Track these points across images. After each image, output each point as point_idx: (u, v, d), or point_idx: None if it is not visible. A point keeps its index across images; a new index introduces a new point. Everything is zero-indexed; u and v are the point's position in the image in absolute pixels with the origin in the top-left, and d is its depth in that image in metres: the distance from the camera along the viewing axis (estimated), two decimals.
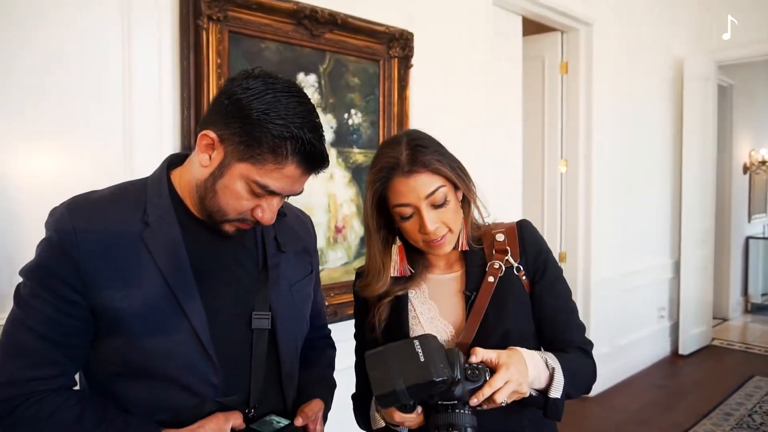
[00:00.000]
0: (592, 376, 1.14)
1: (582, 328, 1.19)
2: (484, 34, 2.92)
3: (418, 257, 1.15)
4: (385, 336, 1.10)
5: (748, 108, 6.19)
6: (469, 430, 0.91)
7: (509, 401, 0.97)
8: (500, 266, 1.11)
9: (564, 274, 1.19)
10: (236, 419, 0.91)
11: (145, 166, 1.66)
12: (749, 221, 6.45)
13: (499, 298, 1.09)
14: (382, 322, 1.11)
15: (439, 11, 2.67)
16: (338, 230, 2.31)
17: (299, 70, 2.12)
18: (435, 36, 2.63)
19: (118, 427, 0.86)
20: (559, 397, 1.02)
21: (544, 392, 1.03)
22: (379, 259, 1.10)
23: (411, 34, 2.44)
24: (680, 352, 4.74)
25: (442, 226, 1.05)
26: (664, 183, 4.69)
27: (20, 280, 0.90)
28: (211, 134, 0.88)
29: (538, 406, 1.03)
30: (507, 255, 1.12)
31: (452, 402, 0.91)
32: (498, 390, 0.93)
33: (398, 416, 0.97)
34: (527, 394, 0.99)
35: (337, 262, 2.31)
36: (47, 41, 1.54)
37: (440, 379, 0.86)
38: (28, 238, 1.46)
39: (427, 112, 2.57)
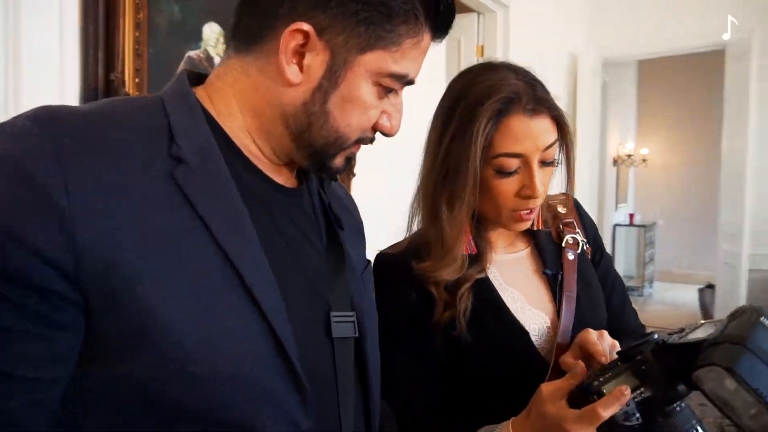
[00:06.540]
0: None
1: (636, 312, 1.05)
2: None
3: (477, 232, 0.89)
4: (474, 332, 0.82)
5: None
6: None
7: None
8: (575, 240, 0.91)
9: None
10: None
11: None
12: None
13: (584, 278, 0.90)
14: (467, 315, 0.82)
15: None
16: None
17: None
18: None
19: None
20: None
21: None
22: (454, 231, 0.82)
23: None
24: None
25: (544, 191, 0.82)
26: None
27: None
28: (304, 26, 0.55)
29: None
30: (575, 228, 0.93)
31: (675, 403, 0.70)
32: None
33: None
34: None
35: None
36: None
37: None
38: None
39: None
